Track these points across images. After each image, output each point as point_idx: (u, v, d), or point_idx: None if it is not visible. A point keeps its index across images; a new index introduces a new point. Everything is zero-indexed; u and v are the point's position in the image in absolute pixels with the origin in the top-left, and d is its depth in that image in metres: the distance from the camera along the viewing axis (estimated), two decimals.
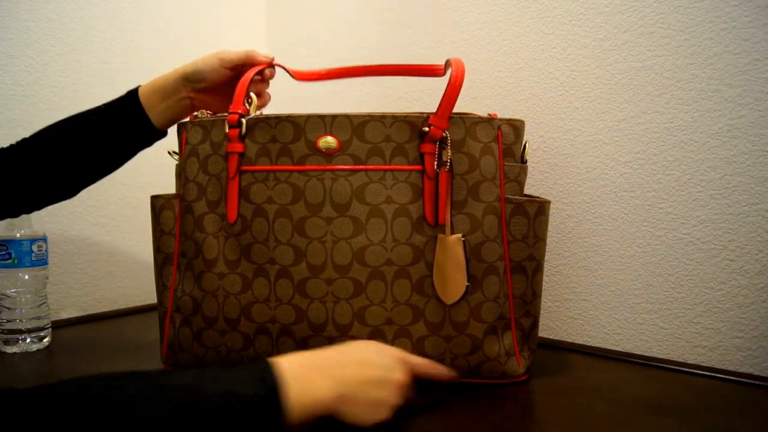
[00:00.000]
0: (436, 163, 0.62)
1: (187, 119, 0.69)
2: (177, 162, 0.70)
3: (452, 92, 0.62)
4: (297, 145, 0.64)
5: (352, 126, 0.63)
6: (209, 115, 0.68)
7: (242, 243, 0.64)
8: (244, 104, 0.66)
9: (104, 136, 0.69)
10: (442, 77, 0.72)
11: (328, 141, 0.63)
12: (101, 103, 0.71)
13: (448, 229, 0.62)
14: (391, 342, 0.63)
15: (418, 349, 0.63)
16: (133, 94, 0.70)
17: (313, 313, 0.63)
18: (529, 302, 0.65)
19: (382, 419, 0.49)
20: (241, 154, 0.64)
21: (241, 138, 0.65)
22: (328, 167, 0.63)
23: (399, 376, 0.51)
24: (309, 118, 0.64)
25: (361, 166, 0.63)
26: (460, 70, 0.63)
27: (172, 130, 0.71)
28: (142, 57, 1.03)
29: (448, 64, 0.67)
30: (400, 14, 1.00)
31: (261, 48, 1.25)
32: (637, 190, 0.74)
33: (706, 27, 0.68)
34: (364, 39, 1.06)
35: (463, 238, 0.62)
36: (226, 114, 0.65)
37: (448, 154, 0.62)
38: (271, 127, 0.64)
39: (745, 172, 0.66)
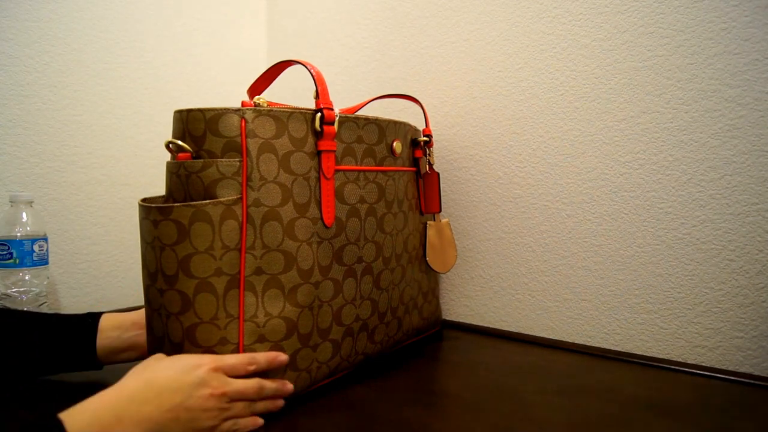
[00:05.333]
0: (427, 165, 0.80)
1: (239, 105, 0.55)
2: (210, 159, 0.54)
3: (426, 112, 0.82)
4: (380, 147, 0.69)
5: (404, 134, 0.75)
6: (269, 104, 0.58)
7: (335, 246, 0.61)
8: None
9: (39, 347, 0.61)
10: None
11: (400, 146, 0.73)
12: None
13: (438, 216, 0.81)
14: (410, 314, 0.75)
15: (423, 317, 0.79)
16: (93, 316, 0.64)
17: (382, 304, 0.69)
18: None
19: None
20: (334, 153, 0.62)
21: (336, 136, 0.62)
22: (397, 168, 0.72)
23: (209, 390, 0.49)
24: (389, 123, 0.70)
25: (404, 167, 0.75)
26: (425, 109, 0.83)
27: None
28: (142, 57, 1.03)
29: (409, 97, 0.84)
30: (400, 14, 1.00)
31: (261, 47, 1.25)
32: (637, 190, 0.74)
33: (706, 27, 0.68)
34: (364, 39, 1.06)
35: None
36: (294, 107, 0.59)
37: (433, 158, 0.80)
38: (358, 128, 0.66)
39: (745, 172, 0.66)
